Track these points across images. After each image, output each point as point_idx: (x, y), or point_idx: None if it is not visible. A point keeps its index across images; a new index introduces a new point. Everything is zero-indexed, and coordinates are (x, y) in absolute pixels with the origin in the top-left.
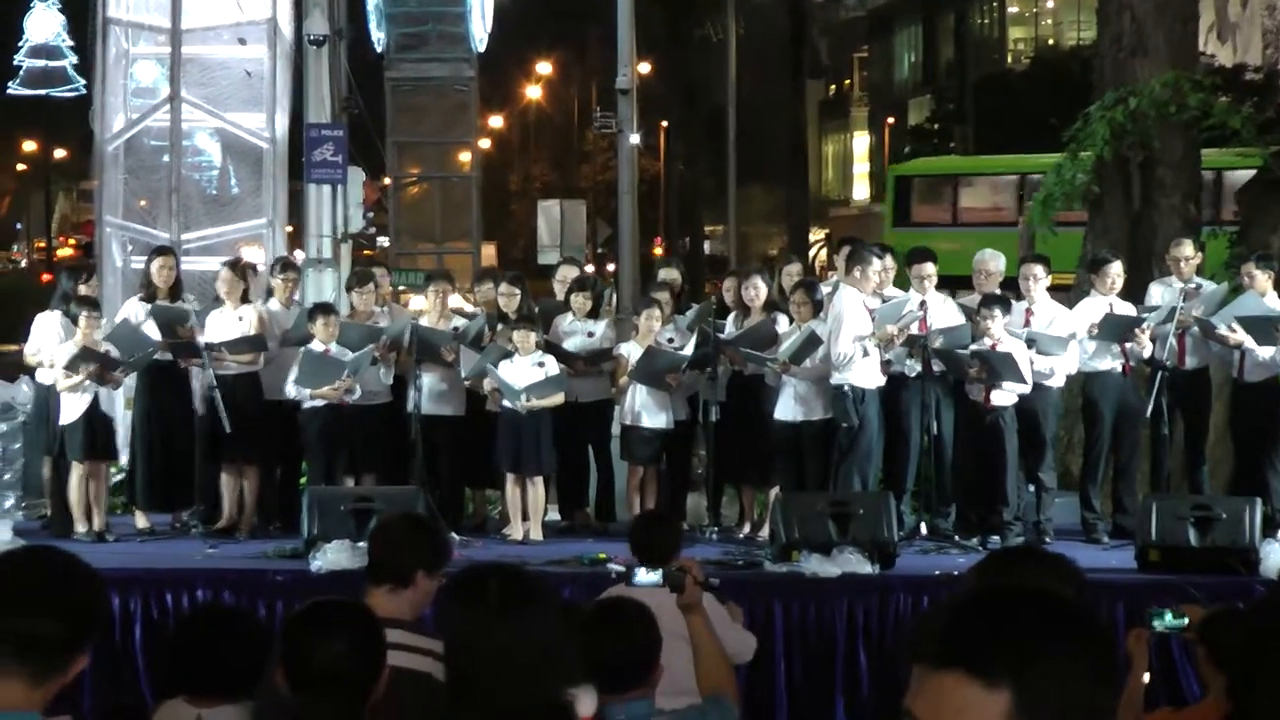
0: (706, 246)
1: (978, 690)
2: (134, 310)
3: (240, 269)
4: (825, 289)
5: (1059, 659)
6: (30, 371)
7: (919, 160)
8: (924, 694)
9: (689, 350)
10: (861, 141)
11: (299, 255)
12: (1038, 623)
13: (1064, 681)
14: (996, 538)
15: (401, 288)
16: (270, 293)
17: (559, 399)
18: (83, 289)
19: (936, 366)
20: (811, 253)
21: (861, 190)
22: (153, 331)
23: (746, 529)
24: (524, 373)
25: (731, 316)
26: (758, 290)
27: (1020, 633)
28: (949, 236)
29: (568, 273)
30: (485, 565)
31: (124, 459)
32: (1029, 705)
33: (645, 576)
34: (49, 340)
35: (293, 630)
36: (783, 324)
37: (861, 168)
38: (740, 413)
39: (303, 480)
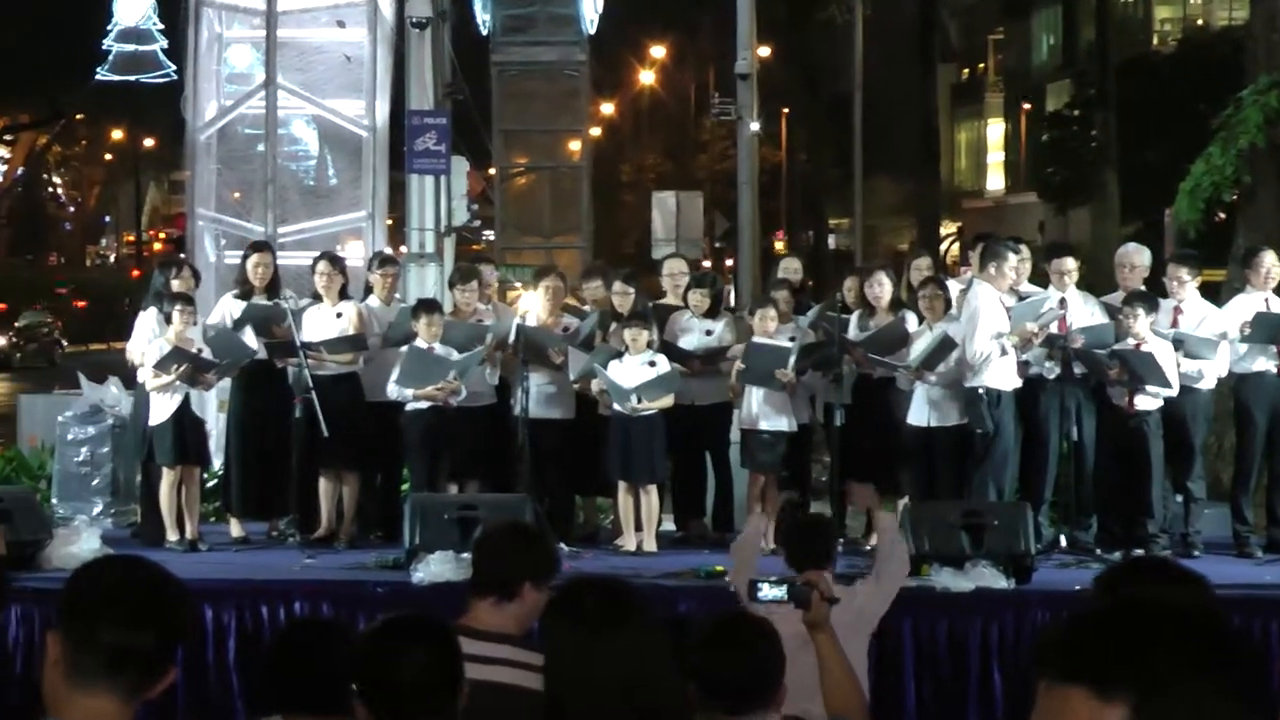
0: (831, 241)
1: (1096, 706)
2: (228, 308)
3: (339, 264)
4: (958, 286)
5: (1188, 677)
6: (121, 372)
7: None
8: (1044, 709)
9: (797, 345)
10: (996, 129)
11: (399, 249)
12: (1165, 637)
13: (1194, 701)
14: (1140, 551)
15: (517, 284)
16: (369, 289)
17: (669, 401)
18: (176, 284)
19: (1077, 368)
20: (942, 247)
21: (996, 180)
22: (250, 338)
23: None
24: (633, 373)
25: (856, 316)
26: (883, 287)
27: (1144, 647)
28: None
29: (676, 267)
30: (585, 579)
31: (217, 464)
32: None
33: (769, 591)
34: (143, 338)
35: (366, 648)
36: (911, 323)
37: (996, 157)
38: (867, 416)
39: (404, 487)
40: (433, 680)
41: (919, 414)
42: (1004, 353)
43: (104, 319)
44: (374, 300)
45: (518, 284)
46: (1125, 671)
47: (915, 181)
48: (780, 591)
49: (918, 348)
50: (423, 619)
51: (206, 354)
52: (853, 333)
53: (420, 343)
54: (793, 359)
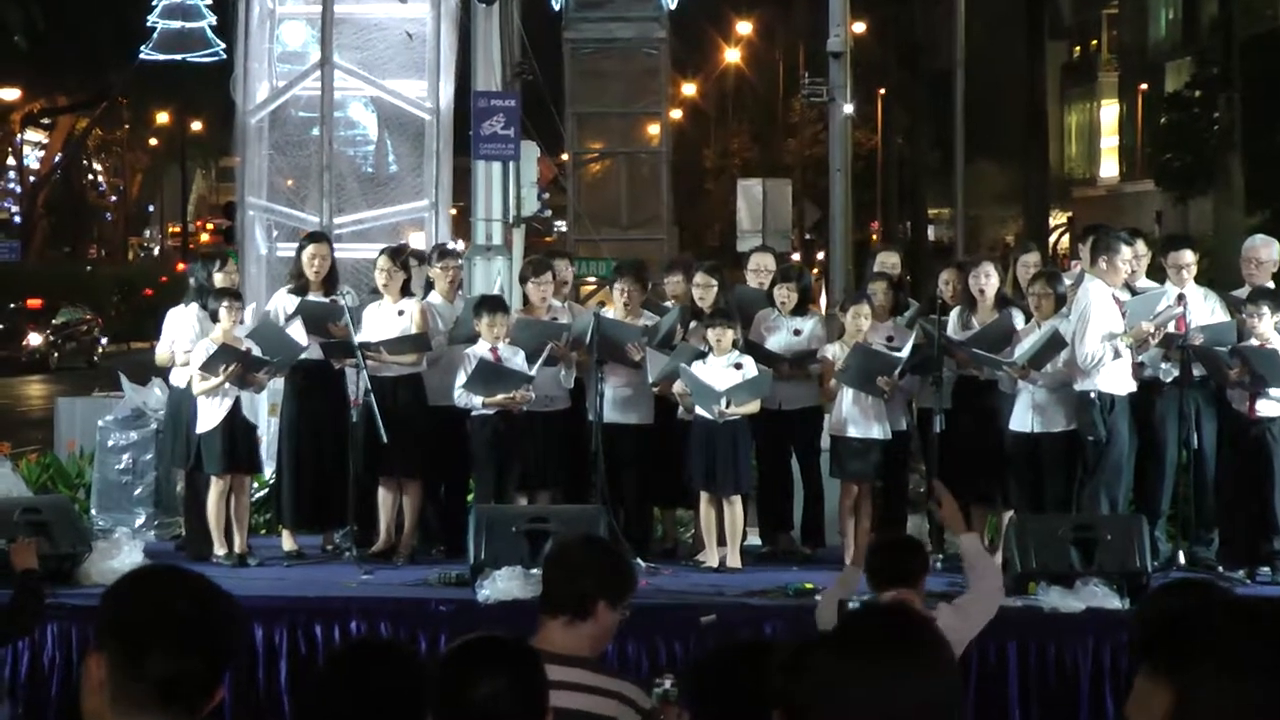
0: (930, 232)
1: (1149, 684)
2: (282, 304)
3: (402, 257)
4: (1067, 282)
5: (1231, 662)
6: (163, 374)
7: None
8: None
9: (906, 351)
10: (1110, 111)
11: (458, 242)
12: (1215, 625)
13: (1234, 683)
14: (1266, 569)
15: (593, 279)
16: (430, 285)
17: (755, 406)
18: (219, 278)
19: (1197, 370)
20: (1052, 239)
21: (1109, 167)
22: (299, 332)
23: None
24: (719, 375)
25: (956, 312)
26: (988, 281)
27: (1190, 631)
28: None
29: (762, 260)
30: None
31: (269, 472)
32: (1190, 704)
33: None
34: (183, 337)
35: (446, 670)
36: (1019, 321)
37: (1109, 141)
38: (969, 422)
39: (469, 497)
40: (516, 708)
41: (1023, 419)
42: (1117, 354)
43: (147, 315)
44: (436, 297)
45: (592, 279)
46: (1169, 651)
47: (1022, 168)
48: None
49: (1024, 345)
50: (506, 641)
51: (256, 352)
52: (952, 330)
53: (485, 350)
54: (901, 370)
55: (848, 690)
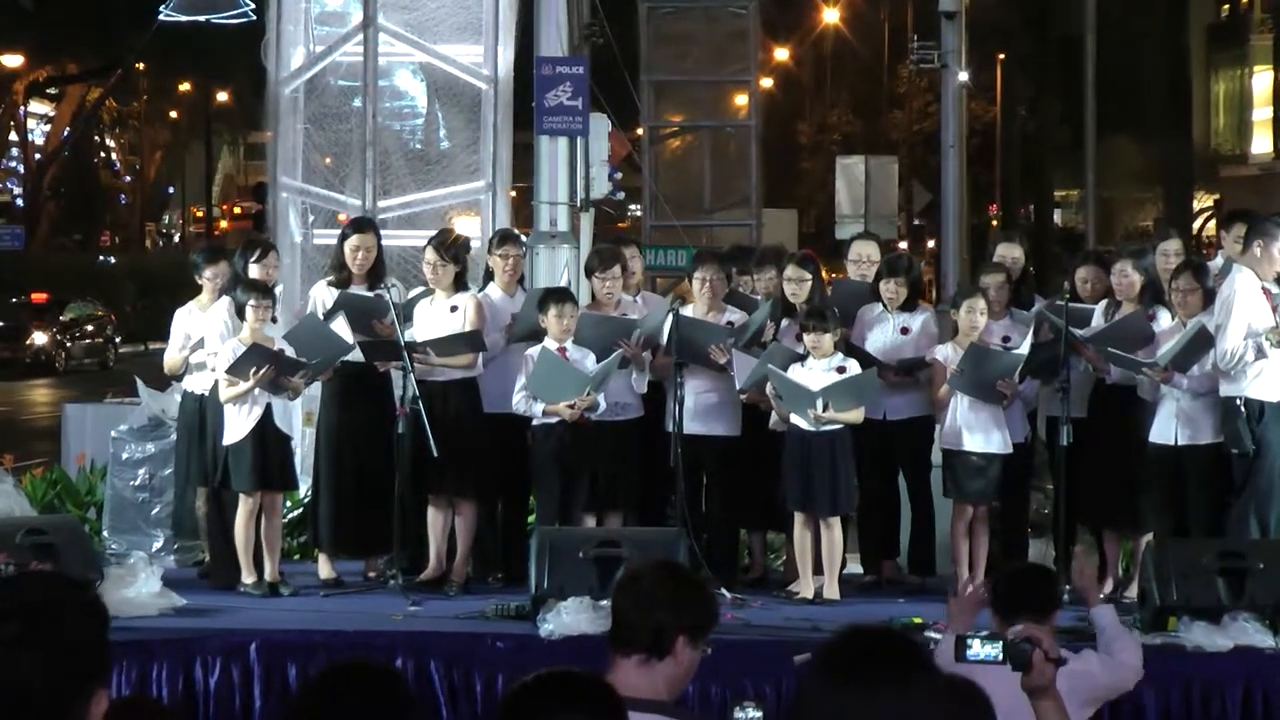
0: (1057, 216)
1: None
2: (320, 298)
3: (452, 248)
4: (1212, 272)
5: None
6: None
7: None
8: None
9: (1025, 349)
10: (1263, 79)
11: (525, 227)
12: None
13: None
14: None
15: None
16: (488, 277)
17: (859, 414)
18: (255, 269)
19: None
20: (1196, 224)
21: (1263, 142)
22: (343, 329)
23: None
24: (817, 381)
25: (1100, 308)
26: (1128, 275)
27: None
28: None
29: (866, 251)
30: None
31: (304, 489)
32: None
33: (980, 649)
34: (212, 334)
35: (512, 710)
36: (1162, 319)
37: (1263, 113)
38: (1101, 434)
39: (531, 518)
40: None
41: (1165, 430)
42: (1262, 354)
43: (167, 312)
44: (494, 290)
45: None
46: None
47: (1162, 144)
48: (994, 650)
49: (1167, 344)
50: (583, 677)
51: (291, 353)
52: (1089, 328)
53: (550, 344)
54: (1022, 372)
55: (831, 713)
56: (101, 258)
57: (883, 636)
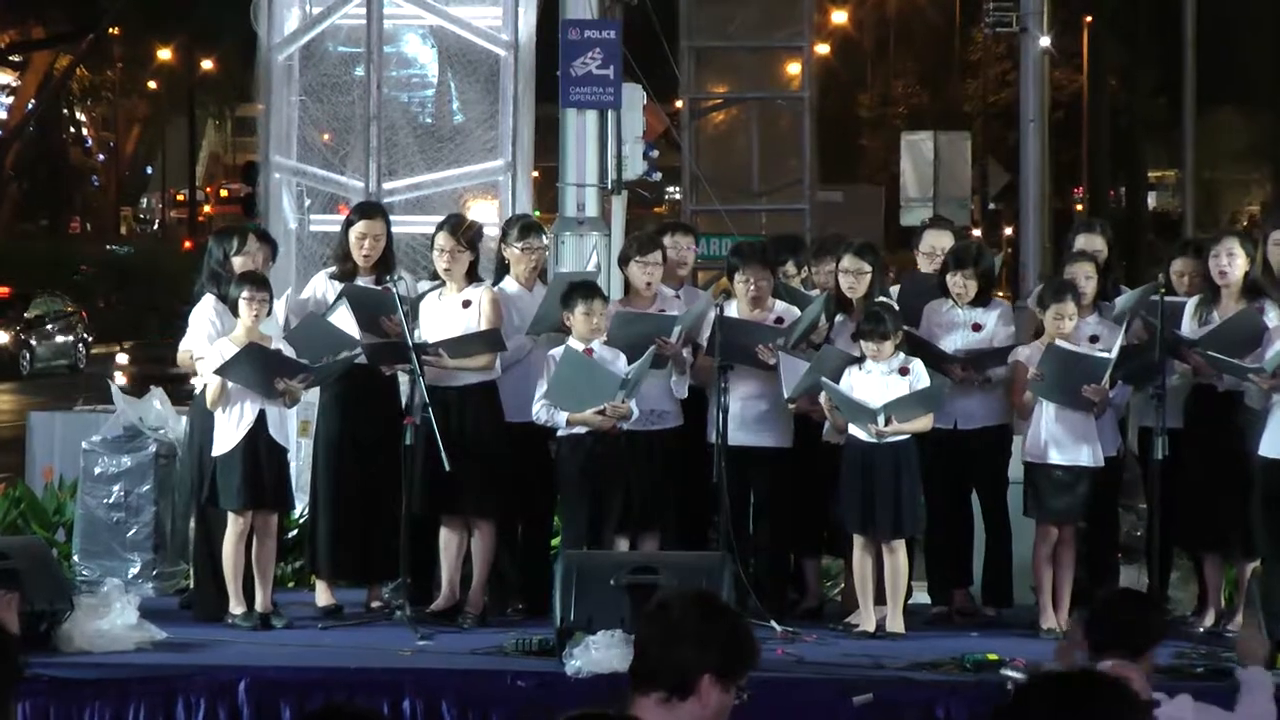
0: (1151, 200)
1: None
2: (321, 291)
3: (468, 233)
4: None
5: None
6: (172, 380)
7: None
8: None
9: (1114, 351)
10: None
11: (549, 213)
12: None
13: None
14: None
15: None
16: (505, 268)
17: (927, 422)
18: (238, 261)
19: None
20: None
21: None
22: (347, 323)
23: (1209, 619)
24: (879, 386)
25: (1193, 304)
26: (1231, 262)
27: None
28: None
29: (937, 240)
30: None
31: (300, 508)
32: None
33: None
34: (199, 334)
35: None
36: (1272, 316)
37: None
38: (1201, 446)
39: (555, 541)
40: None
41: (1275, 443)
42: None
43: (143, 307)
44: (511, 283)
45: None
46: None
47: (1271, 117)
48: None
49: (1276, 347)
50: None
51: (288, 353)
52: (1187, 328)
53: (576, 343)
54: (1110, 375)
55: None
56: (75, 246)
57: (1080, 680)
